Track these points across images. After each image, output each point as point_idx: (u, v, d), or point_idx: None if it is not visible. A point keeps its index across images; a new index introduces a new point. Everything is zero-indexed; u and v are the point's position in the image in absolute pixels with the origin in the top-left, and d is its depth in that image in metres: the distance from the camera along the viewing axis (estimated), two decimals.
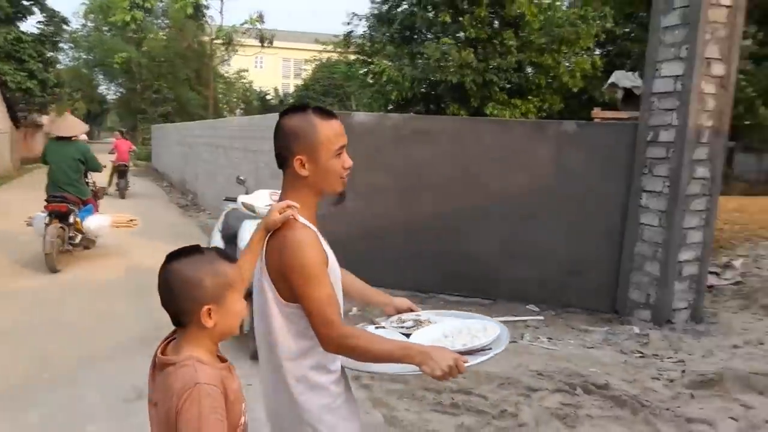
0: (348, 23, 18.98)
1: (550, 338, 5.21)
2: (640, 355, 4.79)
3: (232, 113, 32.20)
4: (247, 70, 33.83)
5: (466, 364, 1.59)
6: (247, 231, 4.75)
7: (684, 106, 5.32)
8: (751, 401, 3.94)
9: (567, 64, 17.11)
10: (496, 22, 16.75)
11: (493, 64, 15.66)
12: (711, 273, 6.47)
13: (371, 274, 4.85)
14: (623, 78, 7.78)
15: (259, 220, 4.88)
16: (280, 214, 1.62)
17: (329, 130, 1.67)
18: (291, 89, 38.87)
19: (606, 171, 5.89)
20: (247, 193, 5.21)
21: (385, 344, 1.64)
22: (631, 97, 7.84)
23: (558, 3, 18.26)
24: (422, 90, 16.47)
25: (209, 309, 1.40)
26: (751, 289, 6.42)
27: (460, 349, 1.69)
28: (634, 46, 18.05)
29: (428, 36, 17.62)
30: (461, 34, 16.26)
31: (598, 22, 16.62)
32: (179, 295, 1.41)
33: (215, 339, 1.47)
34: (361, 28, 19.03)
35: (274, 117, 9.47)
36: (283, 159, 1.70)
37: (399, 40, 17.64)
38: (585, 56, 17.36)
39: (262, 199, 4.96)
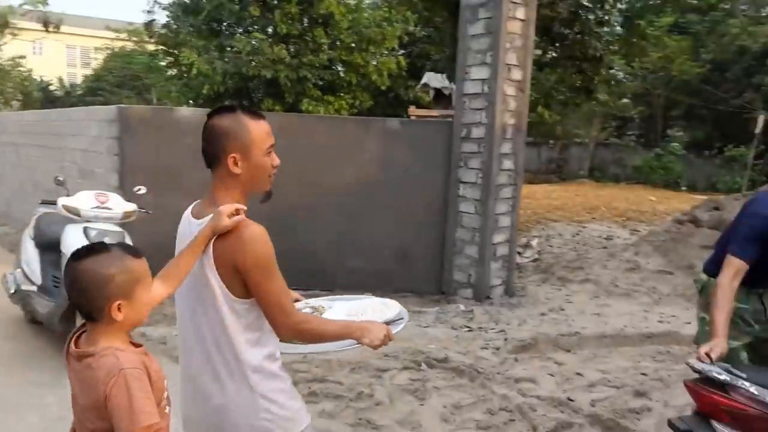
0: (149, 11, 17.77)
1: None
2: (468, 329, 5.36)
3: (8, 105, 28.27)
4: (24, 57, 29.89)
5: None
6: (72, 236, 4.36)
7: (491, 107, 6.02)
8: (562, 358, 4.68)
9: (374, 63, 17.98)
10: (306, 19, 16.95)
11: (305, 60, 15.87)
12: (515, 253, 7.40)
13: None
14: (433, 79, 8.48)
15: (83, 224, 4.45)
16: (229, 218, 1.67)
17: (260, 130, 1.77)
18: (78, 79, 35.19)
19: (427, 165, 6.42)
20: (67, 195, 4.77)
21: (330, 325, 1.81)
22: (440, 97, 8.56)
23: (363, 5, 18.97)
24: (235, 84, 16.11)
25: (119, 304, 1.47)
26: (547, 265, 7.48)
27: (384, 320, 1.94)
28: (432, 49, 19.56)
29: (238, 29, 17.24)
30: (272, 30, 16.21)
31: (401, 24, 17.69)
32: (89, 292, 1.46)
33: (126, 330, 1.54)
34: (163, 17, 17.93)
35: (79, 111, 8.74)
36: (213, 157, 1.75)
37: (207, 32, 16.99)
38: (390, 56, 18.40)
39: (87, 201, 4.61)
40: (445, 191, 6.41)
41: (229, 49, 16.24)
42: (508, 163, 6.24)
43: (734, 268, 2.54)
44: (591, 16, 8.84)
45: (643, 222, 12.20)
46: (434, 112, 8.33)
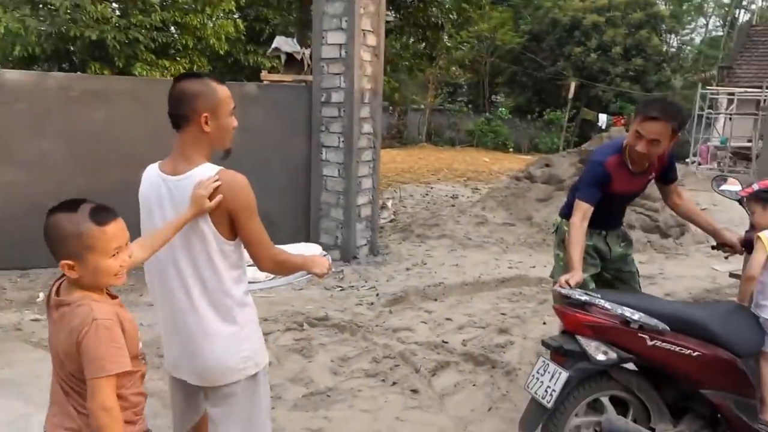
0: None
1: (261, 288, 5.58)
2: (341, 288, 5.53)
3: None
4: None
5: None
6: None
7: (349, 71, 6.14)
8: (431, 307, 5.04)
9: (211, 25, 17.14)
10: None
11: (135, 21, 14.68)
12: None
13: (41, 256, 4.62)
14: (284, 44, 8.35)
15: None
16: (208, 197, 1.87)
17: (225, 93, 1.97)
18: None
19: (289, 130, 6.41)
20: None
21: (296, 258, 2.13)
22: (292, 62, 8.47)
23: None
24: (53, 45, 14.47)
25: (70, 264, 1.56)
26: (404, 224, 7.88)
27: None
28: (270, 12, 19.10)
29: None
30: None
31: None
32: (52, 245, 1.58)
33: (91, 287, 1.60)
34: None
35: None
36: (183, 118, 1.94)
37: None
38: (228, 19, 17.65)
39: None
40: (307, 156, 6.46)
41: (42, 6, 14.52)
42: (367, 127, 6.43)
43: (582, 210, 2.97)
44: None
45: (482, 181, 13.25)
46: (287, 77, 8.24)
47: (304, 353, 4.07)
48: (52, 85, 5.89)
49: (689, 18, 38.20)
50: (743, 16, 35.04)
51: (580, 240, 2.93)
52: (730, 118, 18.99)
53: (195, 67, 17.51)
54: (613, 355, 2.54)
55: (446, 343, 4.24)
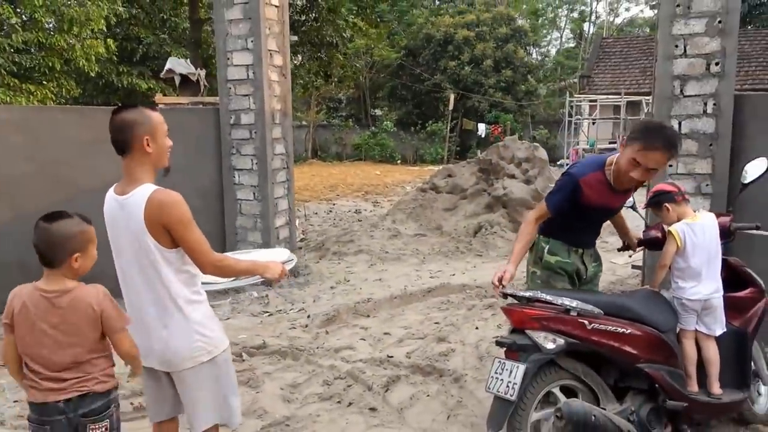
0: None
1: (221, 288, 5.31)
2: (269, 314, 5.40)
3: None
4: None
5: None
6: None
7: (258, 92, 6.05)
8: (365, 323, 5.07)
9: (80, 46, 16.06)
10: None
11: None
12: None
13: None
14: (178, 65, 8.04)
15: None
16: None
17: (159, 118, 2.28)
18: None
19: (197, 154, 6.18)
20: None
21: (241, 263, 2.45)
22: (187, 83, 8.18)
23: None
24: None
25: (77, 257, 2.07)
26: (317, 243, 7.84)
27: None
28: (142, 31, 18.25)
29: None
30: None
31: (107, 3, 16.09)
32: (57, 246, 2.03)
33: (77, 276, 2.11)
34: None
35: None
36: (125, 144, 2.20)
37: None
38: (98, 39, 16.63)
39: None
40: (218, 180, 6.26)
41: None
42: (279, 148, 6.36)
43: (541, 210, 3.05)
44: (324, 3, 9.33)
45: (380, 194, 13.47)
46: (183, 100, 7.94)
47: (251, 384, 3.94)
48: None
49: (544, 32, 41.53)
50: (590, 29, 38.66)
51: (526, 234, 3.01)
52: (593, 123, 20.83)
53: (63, 90, 16.34)
54: (560, 341, 2.75)
55: (391, 357, 4.29)
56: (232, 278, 2.62)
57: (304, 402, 3.72)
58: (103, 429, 2.15)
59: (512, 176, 7.97)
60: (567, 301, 2.80)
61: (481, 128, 23.82)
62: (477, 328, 4.87)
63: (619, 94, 19.67)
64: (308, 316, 5.22)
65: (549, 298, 2.82)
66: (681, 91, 4.74)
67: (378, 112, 31.46)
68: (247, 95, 6.09)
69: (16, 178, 5.49)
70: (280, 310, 5.49)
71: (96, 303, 2.07)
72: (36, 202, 5.53)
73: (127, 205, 2.18)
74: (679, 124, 4.77)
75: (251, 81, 6.06)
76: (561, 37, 44.08)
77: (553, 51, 41.39)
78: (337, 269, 6.72)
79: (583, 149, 19.94)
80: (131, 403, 3.69)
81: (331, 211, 10.79)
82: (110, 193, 2.29)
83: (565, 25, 43.93)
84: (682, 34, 4.68)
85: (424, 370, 4.09)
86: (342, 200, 12.32)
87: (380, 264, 6.87)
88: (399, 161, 24.72)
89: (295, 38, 6.76)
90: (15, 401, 3.76)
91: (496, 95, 26.17)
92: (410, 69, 28.20)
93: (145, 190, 2.16)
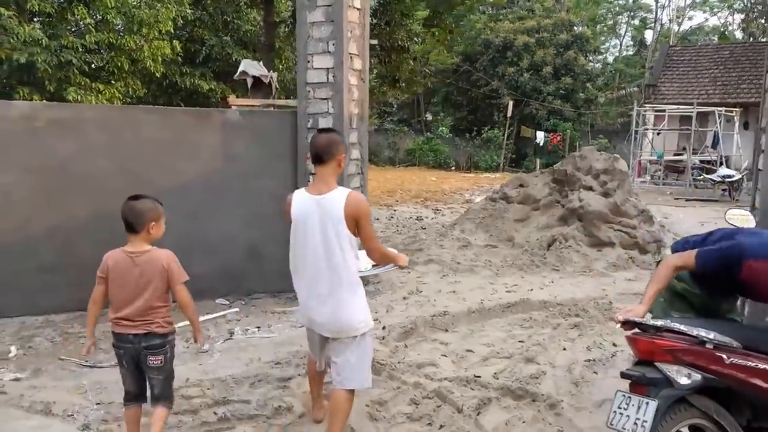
0: None
1: (258, 327, 5.24)
2: None
3: None
4: None
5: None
6: None
7: (338, 96, 5.94)
8: (444, 338, 4.88)
9: (148, 47, 16.42)
10: None
11: (66, 43, 13.82)
12: None
13: (11, 304, 5.28)
14: (251, 67, 8.03)
15: None
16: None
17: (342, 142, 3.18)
18: None
19: (273, 157, 6.12)
20: None
21: (389, 251, 3.18)
22: (259, 85, 8.17)
23: None
24: None
25: (153, 224, 2.89)
26: None
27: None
28: (205, 33, 18.54)
29: None
30: (15, 5, 13.76)
31: (174, 5, 16.39)
32: (140, 215, 2.85)
33: (153, 241, 2.93)
34: None
35: None
36: (328, 156, 2.98)
37: None
38: (164, 40, 16.98)
39: None
40: (294, 183, 6.17)
41: None
42: (355, 153, 6.24)
43: (687, 261, 2.76)
44: (396, 7, 9.21)
45: (439, 201, 13.27)
46: (255, 102, 7.93)
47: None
48: (13, 116, 5.36)
49: (603, 38, 40.48)
50: (654, 36, 37.44)
51: (662, 279, 2.78)
52: (658, 133, 20.06)
53: (129, 90, 16.72)
54: (697, 376, 2.54)
55: (478, 377, 4.08)
56: (372, 266, 3.27)
57: (392, 421, 3.55)
58: (158, 361, 2.89)
59: (589, 188, 7.64)
60: (703, 333, 2.55)
61: (540, 136, 23.32)
62: (565, 349, 4.62)
63: (687, 104, 18.90)
64: (383, 328, 5.07)
65: (682, 328, 2.59)
66: None
67: (429, 117, 31.24)
68: (325, 99, 6.00)
69: (96, 176, 5.54)
70: None
71: (165, 261, 2.85)
72: (115, 201, 5.56)
73: (327, 202, 2.89)
74: None
75: (331, 84, 5.96)
76: (620, 44, 43.00)
77: (610, 59, 40.34)
78: (408, 279, 6.55)
79: (648, 160, 19.24)
80: (215, 412, 3.61)
81: (392, 218, 10.64)
82: (303, 193, 3.03)
83: (625, 32, 42.82)
84: None
85: (515, 393, 3.87)
86: (402, 206, 12.17)
87: (452, 275, 6.67)
88: (453, 167, 24.44)
89: (375, 42, 6.63)
90: (98, 403, 3.72)
91: (555, 103, 25.61)
92: (467, 74, 27.90)
93: (342, 191, 2.93)
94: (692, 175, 15.98)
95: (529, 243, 7.38)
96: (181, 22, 17.53)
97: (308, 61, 6.04)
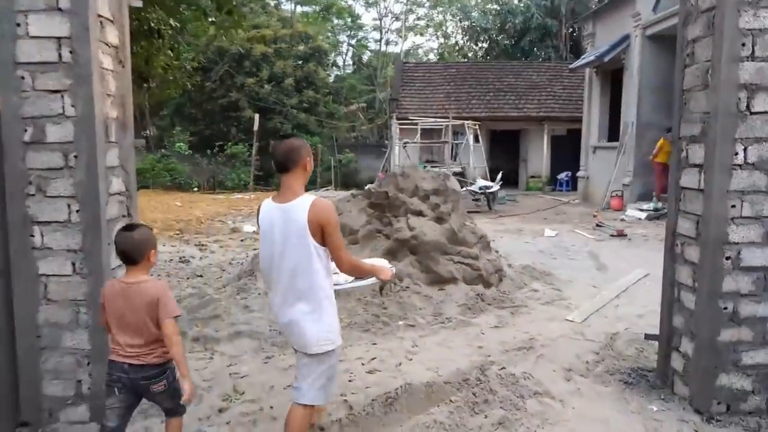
0: None
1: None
2: None
3: None
4: None
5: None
6: None
7: (82, 87, 3.47)
8: None
9: None
10: None
11: None
12: None
13: None
14: None
15: None
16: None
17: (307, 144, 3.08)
18: None
19: None
20: None
21: (366, 264, 3.22)
22: None
23: None
24: None
25: (153, 252, 2.86)
26: None
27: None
28: None
29: None
30: None
31: None
32: (140, 246, 2.79)
33: (151, 268, 2.89)
34: None
35: None
36: (291, 163, 2.85)
37: None
38: None
39: None
40: (3, 240, 3.48)
41: None
42: (117, 184, 3.80)
43: None
44: None
45: (200, 233, 10.80)
46: None
47: None
48: None
49: (333, 54, 41.21)
50: (380, 54, 39.25)
51: None
52: (404, 146, 20.23)
53: None
54: None
55: None
56: (353, 279, 3.19)
57: None
58: (161, 386, 2.78)
59: (418, 213, 6.26)
60: None
61: None
62: None
63: (428, 118, 19.40)
64: None
65: None
66: (748, 106, 3.51)
67: (149, 132, 27.53)
68: (58, 92, 3.46)
69: None
70: None
71: (155, 292, 2.73)
72: None
73: (290, 210, 2.77)
74: (745, 150, 3.54)
75: (67, 67, 3.45)
76: (344, 61, 44.32)
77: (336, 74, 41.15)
78: (215, 370, 4.25)
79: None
80: None
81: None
82: (269, 202, 2.90)
83: (347, 50, 44.26)
84: (750, 29, 3.46)
85: None
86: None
87: (278, 354, 4.54)
88: (196, 188, 21.57)
89: (139, 4, 4.23)
90: None
91: (299, 116, 24.53)
92: (199, 85, 25.15)
93: (307, 198, 2.78)
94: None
95: (357, 289, 5.67)
96: None
97: (18, 25, 3.42)
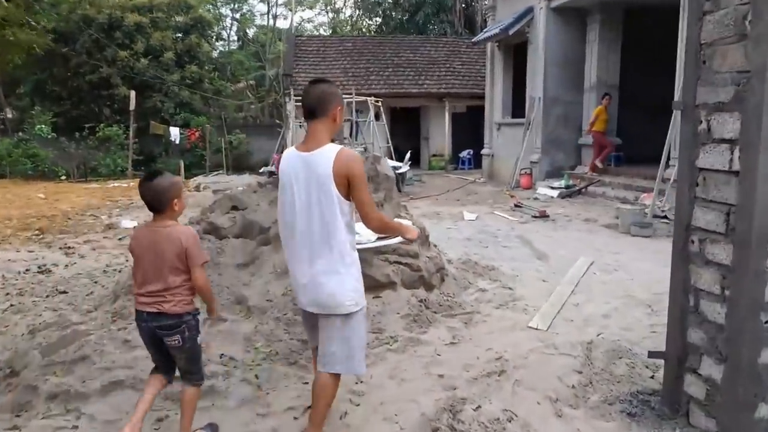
0: None
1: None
2: None
3: None
4: None
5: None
6: None
7: None
8: None
9: None
10: None
11: None
12: None
13: None
14: None
15: None
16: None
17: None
18: None
19: None
20: None
21: (394, 222, 3.08)
22: None
23: None
24: None
25: (176, 201, 2.74)
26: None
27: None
28: None
29: None
30: None
31: None
32: (162, 194, 2.70)
33: (175, 216, 2.79)
34: None
35: None
36: (320, 112, 2.62)
37: None
38: None
39: None
40: None
41: None
42: None
43: None
44: None
45: (67, 232, 9.00)
46: None
47: None
48: None
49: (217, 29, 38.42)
50: (269, 29, 37.09)
51: None
52: (300, 126, 18.88)
53: None
54: None
55: None
56: (376, 238, 3.26)
57: None
58: (175, 341, 2.72)
59: None
60: None
61: (175, 133, 19.80)
62: None
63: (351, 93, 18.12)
64: None
65: None
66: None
67: (9, 114, 24.12)
68: None
69: None
70: None
71: (184, 239, 2.65)
72: None
73: (314, 160, 2.54)
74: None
75: None
76: (228, 37, 41.65)
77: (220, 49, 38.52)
78: None
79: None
80: None
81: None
82: (292, 151, 2.68)
83: (231, 25, 41.60)
84: None
85: None
86: (4, 250, 7.63)
87: (173, 412, 3.30)
88: (64, 177, 18.95)
89: None
90: None
91: (182, 94, 22.30)
92: (64, 58, 22.14)
93: (333, 147, 2.56)
94: None
95: (274, 304, 4.49)
96: None
97: None
